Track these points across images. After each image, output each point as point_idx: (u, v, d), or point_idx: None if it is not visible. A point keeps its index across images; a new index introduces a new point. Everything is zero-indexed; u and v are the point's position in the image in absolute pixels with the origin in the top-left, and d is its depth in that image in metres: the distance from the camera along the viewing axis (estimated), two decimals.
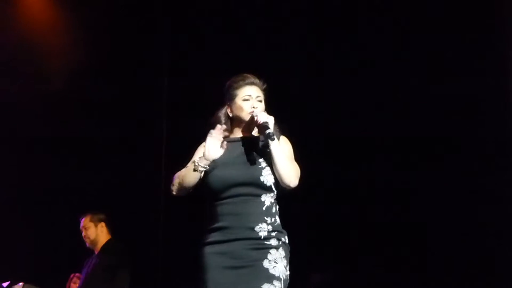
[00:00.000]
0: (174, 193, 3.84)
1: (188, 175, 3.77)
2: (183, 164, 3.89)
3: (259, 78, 3.95)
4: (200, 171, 3.75)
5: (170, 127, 7.21)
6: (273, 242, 3.72)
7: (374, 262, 6.19)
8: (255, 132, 3.91)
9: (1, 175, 7.33)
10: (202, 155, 3.77)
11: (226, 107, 3.94)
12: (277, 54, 6.54)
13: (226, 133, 3.86)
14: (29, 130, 7.20)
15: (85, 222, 6.17)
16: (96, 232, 6.14)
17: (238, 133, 3.93)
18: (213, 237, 3.73)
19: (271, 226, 3.73)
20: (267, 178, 3.76)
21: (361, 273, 6.25)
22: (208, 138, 3.77)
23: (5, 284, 5.58)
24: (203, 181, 3.79)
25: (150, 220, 7.11)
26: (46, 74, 7.24)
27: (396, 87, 6.17)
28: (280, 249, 3.73)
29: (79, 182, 7.30)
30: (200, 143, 3.90)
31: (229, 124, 3.91)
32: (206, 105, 4.07)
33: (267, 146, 3.78)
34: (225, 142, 3.77)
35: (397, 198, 6.18)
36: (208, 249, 3.73)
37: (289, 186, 3.79)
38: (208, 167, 3.76)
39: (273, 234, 3.72)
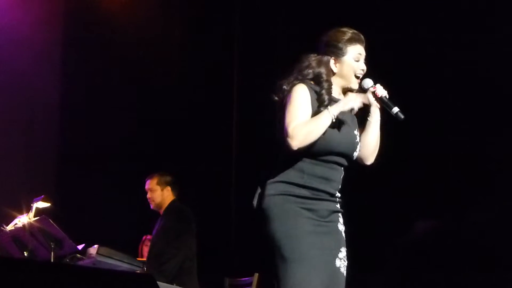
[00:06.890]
0: (297, 146, 3.48)
1: (321, 123, 3.49)
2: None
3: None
4: (332, 119, 3.50)
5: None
6: (339, 206, 3.70)
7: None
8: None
9: (73, 135, 7.39)
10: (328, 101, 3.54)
11: (331, 59, 3.62)
12: None
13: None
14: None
15: (151, 184, 6.05)
16: (162, 196, 6.02)
17: (337, 91, 3.66)
18: (299, 192, 3.58)
19: (339, 192, 3.70)
20: (356, 153, 3.69)
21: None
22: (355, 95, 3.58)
23: (80, 247, 5.59)
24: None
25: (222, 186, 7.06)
26: None
27: None
28: (342, 216, 3.72)
29: (147, 143, 7.32)
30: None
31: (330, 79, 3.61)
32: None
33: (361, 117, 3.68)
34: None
35: None
36: (294, 200, 3.55)
37: (366, 163, 3.75)
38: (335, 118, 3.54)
39: (339, 199, 3.69)
